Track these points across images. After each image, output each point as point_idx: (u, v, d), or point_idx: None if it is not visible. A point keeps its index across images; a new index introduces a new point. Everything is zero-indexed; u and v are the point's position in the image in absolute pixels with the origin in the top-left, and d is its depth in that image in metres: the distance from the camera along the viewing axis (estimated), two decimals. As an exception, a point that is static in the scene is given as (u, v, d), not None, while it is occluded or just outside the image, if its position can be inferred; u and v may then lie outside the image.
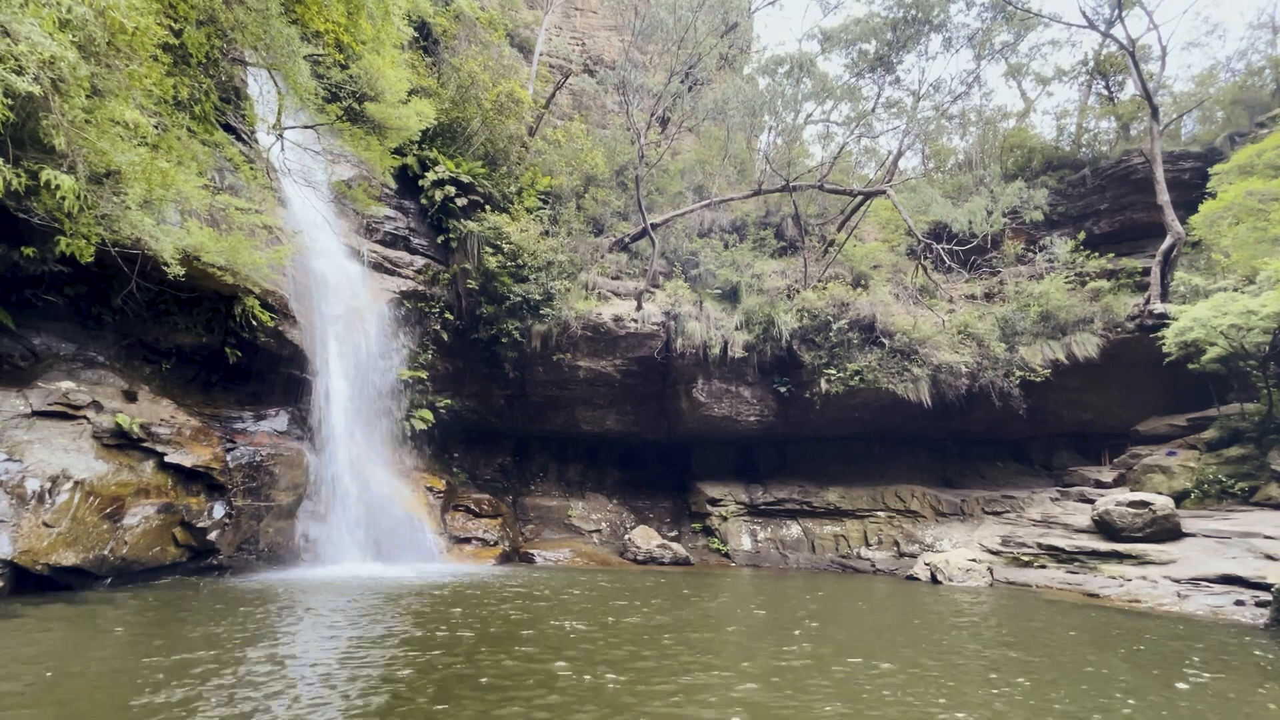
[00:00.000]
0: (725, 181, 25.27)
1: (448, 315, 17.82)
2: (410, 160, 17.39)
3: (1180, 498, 15.51)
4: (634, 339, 18.60)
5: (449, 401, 18.25)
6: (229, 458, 11.84)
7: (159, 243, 8.91)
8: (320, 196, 14.17)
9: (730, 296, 20.33)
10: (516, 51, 23.62)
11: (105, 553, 9.46)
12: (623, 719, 4.86)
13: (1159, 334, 16.89)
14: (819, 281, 20.88)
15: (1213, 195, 18.26)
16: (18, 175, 7.27)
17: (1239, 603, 10.78)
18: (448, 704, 5.00)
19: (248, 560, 11.92)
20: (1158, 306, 18.11)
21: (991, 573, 14.81)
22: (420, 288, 17.31)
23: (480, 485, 20.00)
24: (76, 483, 9.42)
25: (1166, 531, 13.70)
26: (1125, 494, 14.91)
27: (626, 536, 19.13)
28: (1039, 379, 18.40)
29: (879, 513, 19.37)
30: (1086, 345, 18.56)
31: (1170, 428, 18.05)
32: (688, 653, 7.00)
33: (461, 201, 17.83)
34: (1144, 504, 13.96)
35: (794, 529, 19.81)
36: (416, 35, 18.44)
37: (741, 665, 6.60)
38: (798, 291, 20.08)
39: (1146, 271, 19.77)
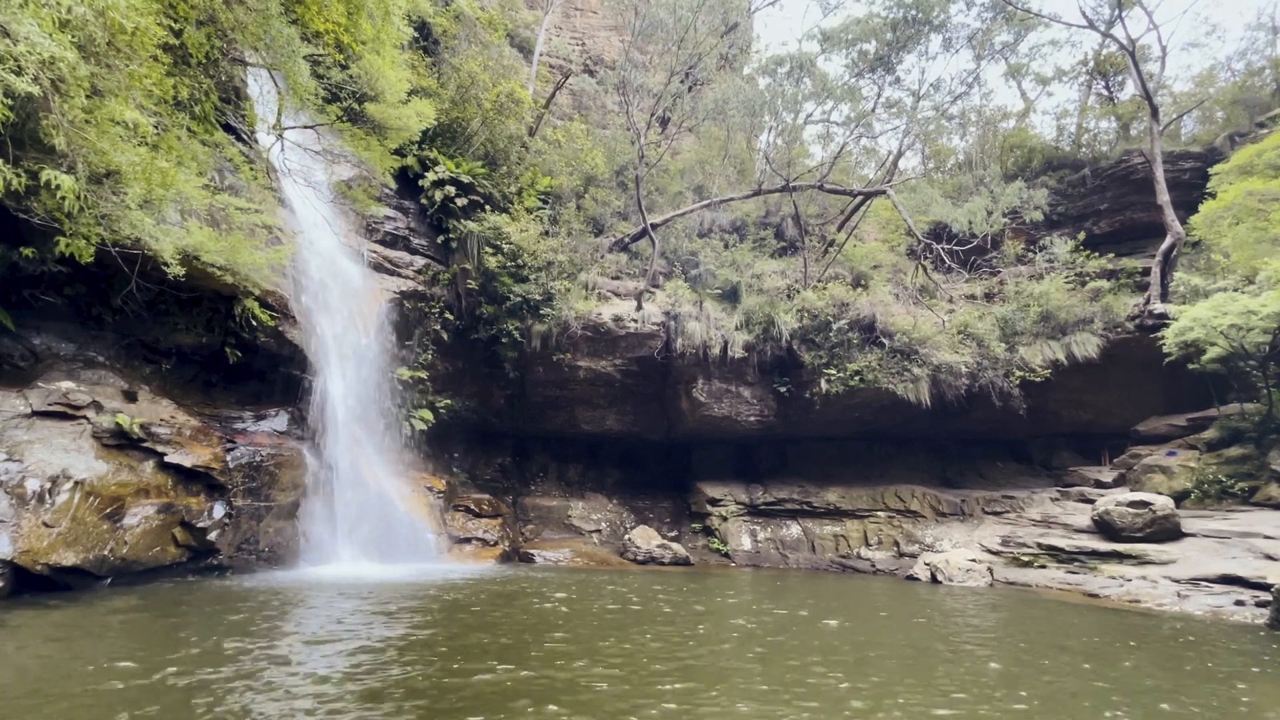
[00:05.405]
0: (725, 181, 25.26)
1: (448, 315, 17.82)
2: (410, 160, 17.39)
3: (1180, 498, 15.50)
4: (634, 339, 18.59)
5: (449, 401, 18.24)
6: (229, 458, 11.84)
7: (159, 243, 8.91)
8: (320, 197, 14.16)
9: (730, 296, 20.32)
10: (516, 51, 23.62)
11: (105, 553, 9.46)
12: None
13: (1159, 334, 16.88)
14: (819, 281, 20.87)
15: (1213, 195, 18.25)
16: (18, 175, 7.27)
17: (1239, 603, 10.77)
18: (451, 711, 4.99)
19: (248, 560, 11.92)
20: (1158, 306, 18.11)
21: (991, 573, 14.80)
22: (420, 288, 17.30)
23: (480, 485, 19.99)
24: (76, 483, 9.42)
25: (1166, 531, 13.70)
26: (1125, 494, 14.91)
27: (626, 536, 19.13)
28: (1039, 379, 18.39)
29: (879, 513, 19.36)
30: (1086, 345, 18.55)
31: (1170, 428, 18.04)
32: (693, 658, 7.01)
33: (461, 201, 17.82)
34: (1144, 504, 13.95)
35: (794, 529, 19.80)
36: (416, 35, 18.44)
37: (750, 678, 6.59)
38: (798, 291, 20.07)
39: (1146, 271, 19.76)
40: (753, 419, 19.53)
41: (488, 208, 18.53)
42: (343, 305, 14.96)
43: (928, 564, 15.41)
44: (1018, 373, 18.56)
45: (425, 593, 10.39)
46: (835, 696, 5.56)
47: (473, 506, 17.95)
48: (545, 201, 20.76)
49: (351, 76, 14.49)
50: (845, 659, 6.98)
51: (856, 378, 18.19)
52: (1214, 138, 22.28)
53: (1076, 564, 14.07)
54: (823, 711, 5.16)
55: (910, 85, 27.57)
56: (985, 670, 6.73)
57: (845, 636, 8.27)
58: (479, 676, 5.69)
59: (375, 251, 16.64)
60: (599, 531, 20.04)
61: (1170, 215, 18.90)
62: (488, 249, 17.96)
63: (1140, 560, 13.15)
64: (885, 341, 18.61)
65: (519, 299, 17.88)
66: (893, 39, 21.78)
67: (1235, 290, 16.22)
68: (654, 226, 20.50)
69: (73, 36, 6.93)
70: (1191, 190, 20.49)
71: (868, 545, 18.90)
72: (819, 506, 19.84)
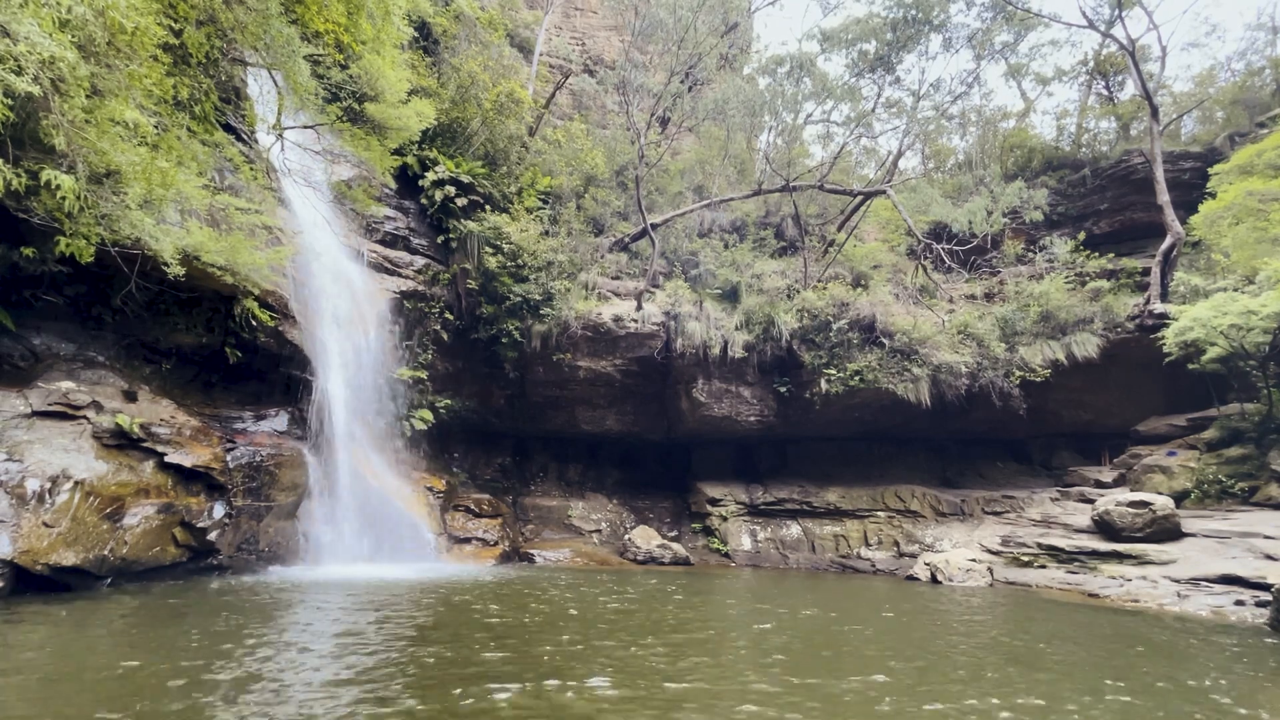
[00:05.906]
0: (725, 181, 25.26)
1: (448, 315, 17.82)
2: (410, 160, 17.39)
3: (1180, 498, 15.50)
4: (634, 339, 18.59)
5: (449, 401, 18.24)
6: (229, 458, 11.84)
7: (159, 243, 8.91)
8: (320, 197, 14.17)
9: (730, 296, 20.32)
10: (516, 51, 23.61)
11: (105, 553, 9.46)
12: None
13: (1159, 334, 16.88)
14: (819, 281, 20.87)
15: (1213, 195, 18.25)
16: (18, 175, 7.27)
17: (1239, 603, 10.78)
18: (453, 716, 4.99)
19: (248, 560, 11.92)
20: (1158, 306, 18.11)
21: (991, 573, 14.80)
22: (420, 288, 17.30)
23: (480, 485, 19.99)
24: (76, 483, 9.42)
25: (1166, 531, 13.70)
26: (1125, 494, 14.91)
27: (626, 536, 19.13)
28: (1039, 379, 18.39)
29: (879, 513, 19.36)
30: (1086, 345, 18.55)
31: (1170, 428, 18.04)
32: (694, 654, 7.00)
33: (461, 201, 17.82)
34: (1144, 504, 13.95)
35: (794, 529, 19.80)
36: (416, 35, 18.44)
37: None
38: (798, 291, 20.07)
39: (1146, 271, 19.76)
40: (753, 419, 19.53)
41: (488, 208, 18.53)
42: (342, 305, 14.96)
43: (928, 564, 15.41)
44: (1018, 373, 18.55)
45: (427, 594, 10.38)
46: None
47: (473, 506, 17.94)
48: (545, 201, 20.76)
49: (351, 76, 14.50)
50: (886, 665, 6.98)
51: (856, 378, 18.19)
52: (1214, 138, 22.28)
53: (1076, 564, 14.07)
54: None
55: (910, 85, 27.52)
56: (1012, 672, 6.73)
57: (873, 640, 8.26)
58: (488, 683, 5.66)
59: (375, 251, 16.64)
60: (599, 531, 20.04)
61: (1170, 215, 18.90)
62: (488, 249, 17.96)
63: (1140, 560, 13.15)
64: (885, 341, 18.60)
65: (519, 299, 17.88)
66: (893, 39, 21.78)
67: (1235, 290, 16.21)
68: (654, 226, 20.50)
69: (73, 36, 6.93)
70: (1191, 190, 20.49)
71: (868, 545, 18.90)
72: (819, 506, 19.84)
